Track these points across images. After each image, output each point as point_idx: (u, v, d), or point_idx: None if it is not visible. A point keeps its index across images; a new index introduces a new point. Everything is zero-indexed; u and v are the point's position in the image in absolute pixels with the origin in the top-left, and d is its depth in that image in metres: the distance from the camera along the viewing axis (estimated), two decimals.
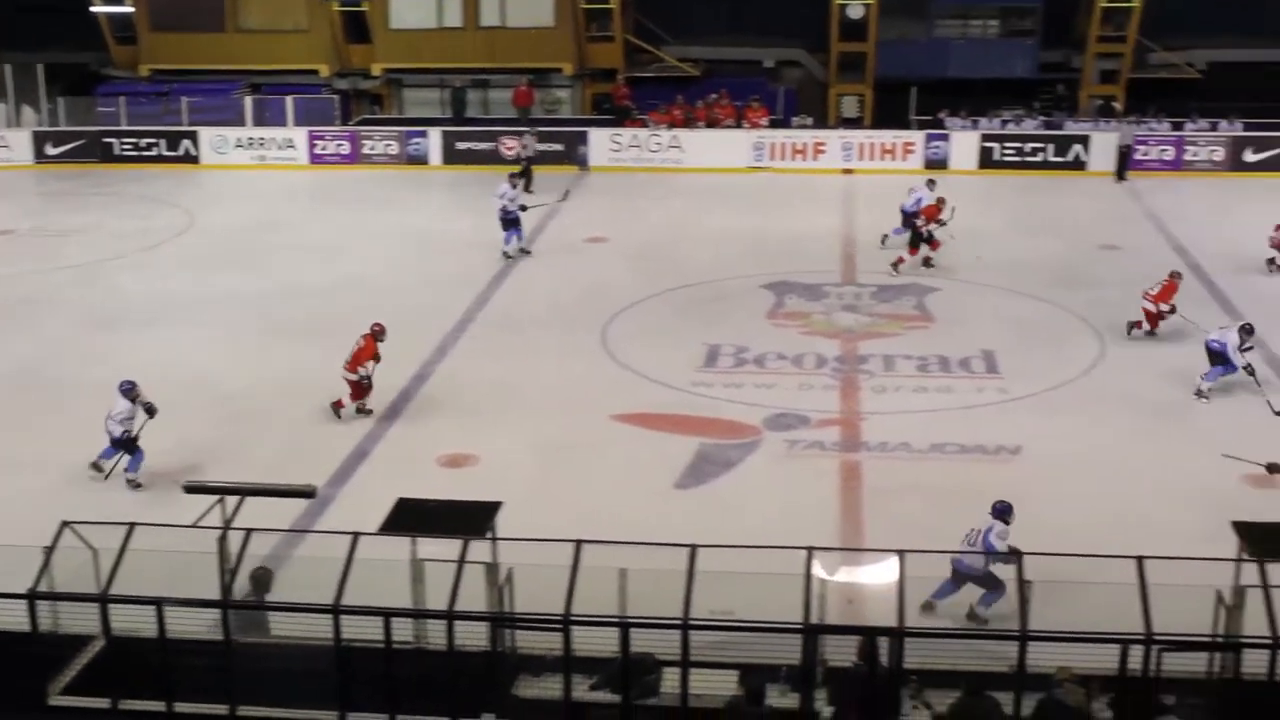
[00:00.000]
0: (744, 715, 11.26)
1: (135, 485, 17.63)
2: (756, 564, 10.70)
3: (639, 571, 11.57)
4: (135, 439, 17.73)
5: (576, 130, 37.88)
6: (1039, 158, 36.93)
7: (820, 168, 37.07)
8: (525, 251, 28.74)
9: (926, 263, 27.66)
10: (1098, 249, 29.49)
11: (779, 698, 11.59)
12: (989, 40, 41.18)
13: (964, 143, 37.19)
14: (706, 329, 23.99)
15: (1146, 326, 23.44)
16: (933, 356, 22.68)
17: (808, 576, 10.93)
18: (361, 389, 20.01)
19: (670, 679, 11.29)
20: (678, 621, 10.70)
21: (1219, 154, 36.64)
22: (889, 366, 22.30)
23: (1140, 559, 11.29)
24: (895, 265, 27.50)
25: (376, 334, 20.24)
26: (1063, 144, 37.06)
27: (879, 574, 12.18)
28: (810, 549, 11.11)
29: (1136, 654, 10.82)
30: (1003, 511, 14.55)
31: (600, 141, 37.69)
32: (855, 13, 39.57)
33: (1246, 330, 20.98)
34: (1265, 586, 11.25)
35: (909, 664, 11.12)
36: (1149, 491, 17.60)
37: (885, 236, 29.13)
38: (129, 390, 17.88)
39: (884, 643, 11.04)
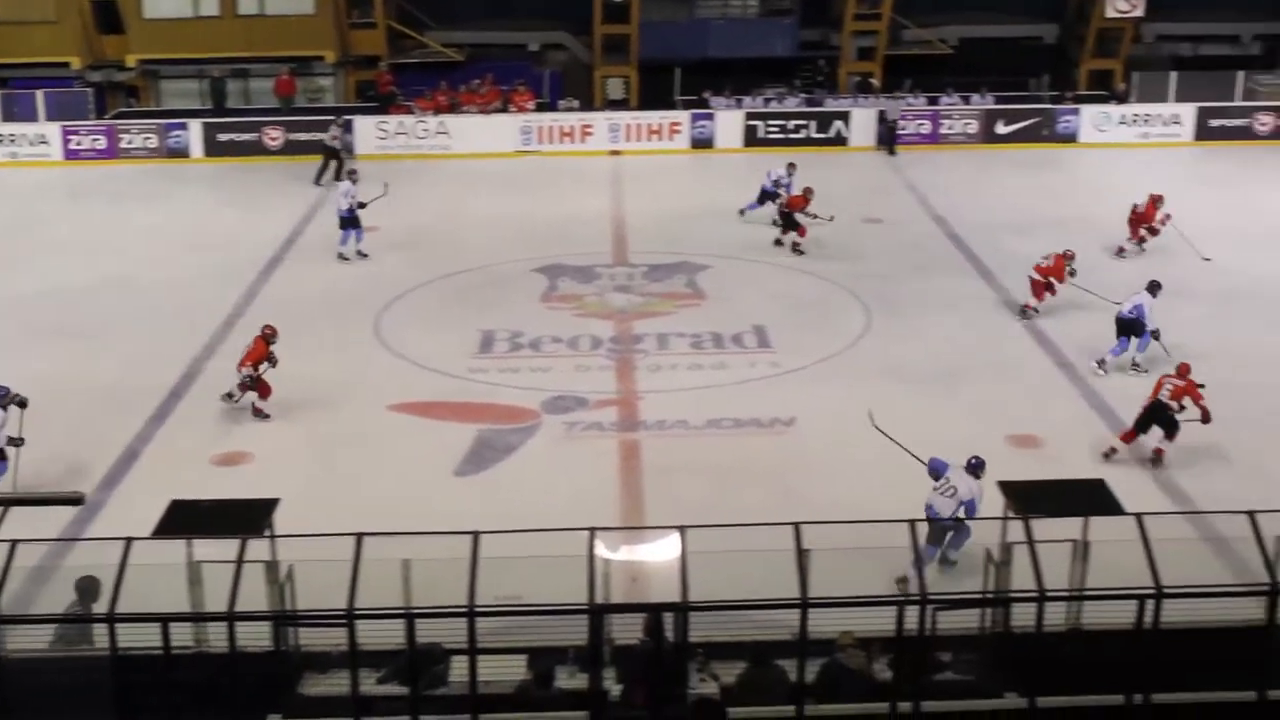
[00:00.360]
0: (533, 699, 11.28)
1: None
2: (540, 547, 10.71)
3: (422, 561, 11.49)
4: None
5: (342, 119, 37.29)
6: (802, 134, 37.62)
7: (588, 150, 37.20)
8: (362, 254, 27.63)
9: (786, 244, 27.83)
10: (862, 222, 30.16)
11: (568, 679, 11.63)
12: (749, 20, 41.72)
13: (728, 122, 37.70)
14: (480, 315, 23.92)
15: (1034, 301, 23.69)
16: (706, 333, 22.97)
17: (591, 557, 10.97)
18: (259, 386, 19.52)
19: (458, 667, 11.24)
20: (463, 609, 10.65)
21: (973, 127, 37.81)
22: (663, 345, 22.52)
23: (912, 523, 11.62)
24: (794, 249, 27.67)
25: (267, 336, 19.81)
26: (824, 120, 37.82)
27: (661, 551, 12.30)
28: (592, 530, 11.16)
29: (913, 614, 11.11)
30: (975, 467, 15.32)
31: (366, 129, 37.22)
32: None
33: (1156, 286, 21.57)
34: (1030, 542, 11.67)
35: (694, 638, 11.26)
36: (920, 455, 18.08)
37: (743, 210, 29.99)
38: (3, 396, 17.08)
39: (669, 618, 11.15)
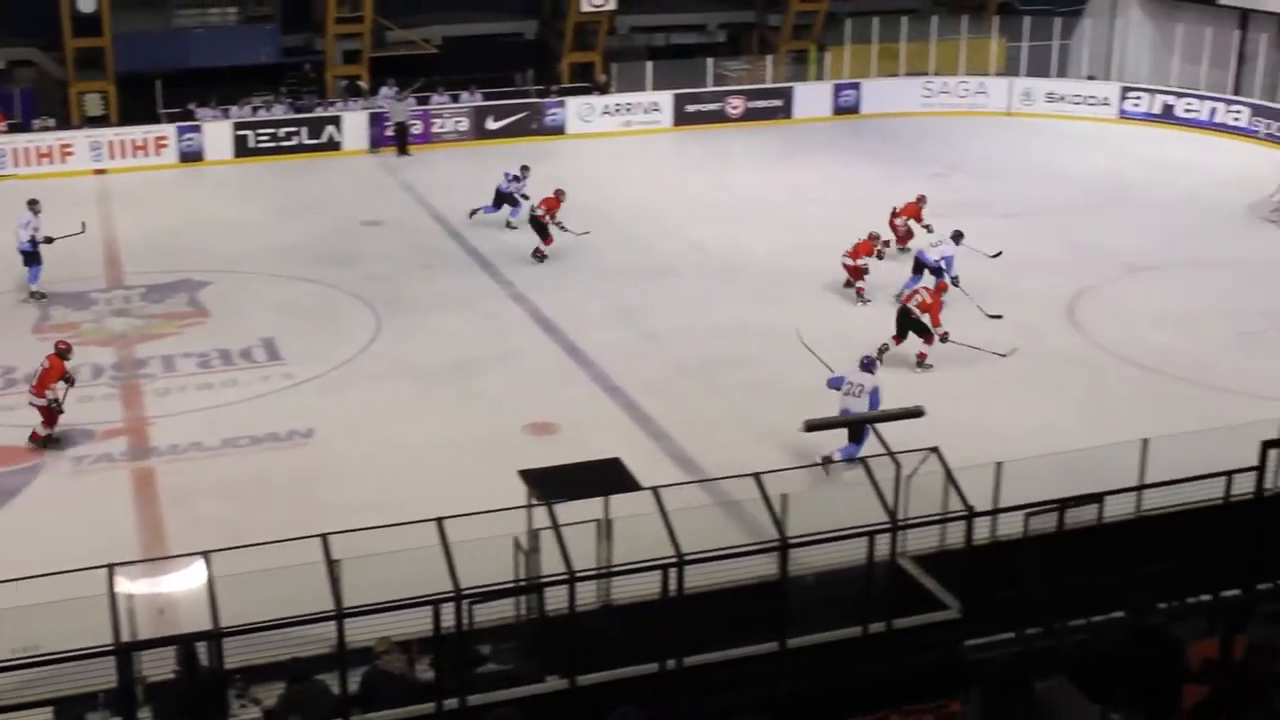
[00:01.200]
0: None
1: None
2: (56, 591, 10.23)
3: None
4: None
5: None
6: (294, 142, 37.10)
7: (70, 170, 35.42)
8: (38, 295, 25.18)
9: (537, 255, 26.97)
10: (361, 226, 30.02)
11: None
12: (229, 28, 40.77)
13: (217, 133, 36.73)
14: None
15: (856, 282, 24.67)
16: (213, 351, 22.39)
17: (112, 594, 10.55)
18: (52, 414, 18.54)
19: None
20: None
21: (464, 124, 38.28)
22: (170, 367, 21.81)
23: (440, 520, 11.70)
24: (536, 254, 26.86)
25: (62, 352, 18.96)
26: (315, 126, 37.43)
27: (187, 579, 11.93)
28: (111, 566, 10.73)
29: (450, 611, 11.21)
30: (869, 364, 18.13)
31: None
32: (86, 6, 37.92)
33: (960, 235, 24.17)
34: (555, 527, 11.97)
35: (231, 663, 11.00)
36: (441, 453, 18.28)
37: (474, 211, 29.27)
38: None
39: (202, 647, 10.86)
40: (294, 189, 33.50)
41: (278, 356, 22.11)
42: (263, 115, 37.69)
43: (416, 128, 37.67)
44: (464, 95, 39.18)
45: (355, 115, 37.67)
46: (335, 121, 37.51)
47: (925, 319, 21.27)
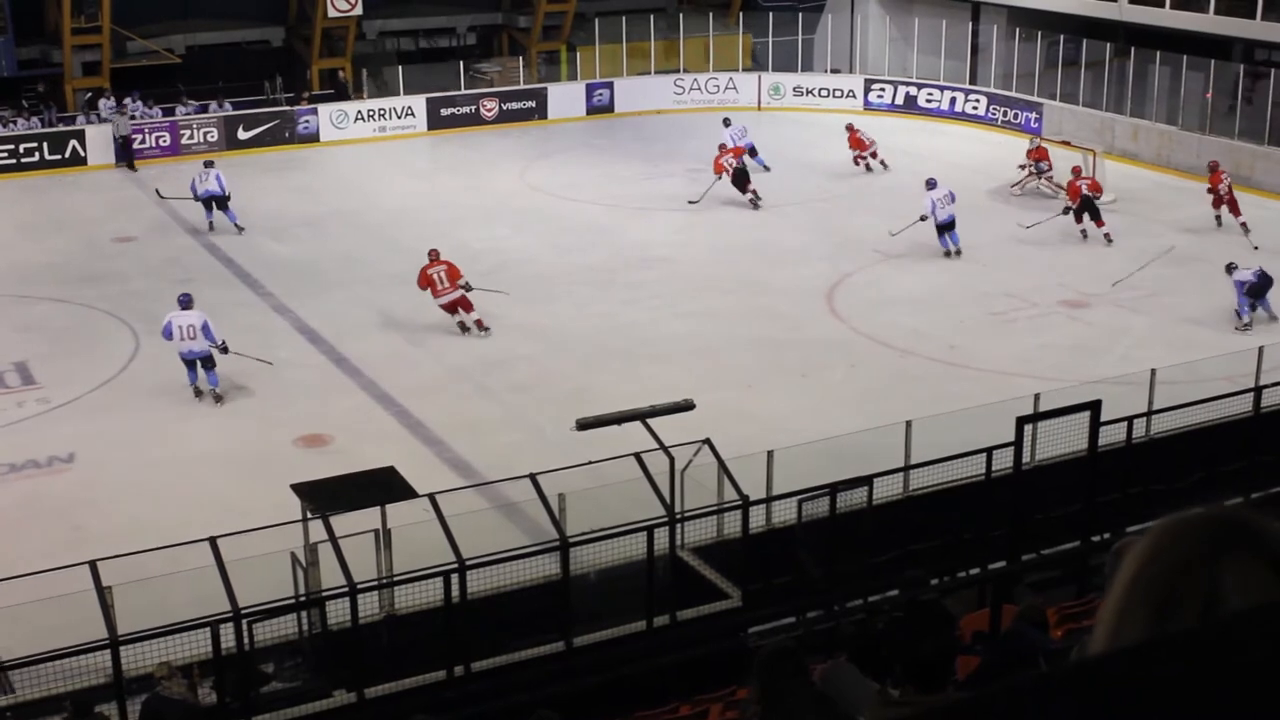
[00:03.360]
0: None
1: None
2: None
3: None
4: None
5: None
6: (36, 158, 35.76)
7: None
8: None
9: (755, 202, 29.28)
10: (113, 242, 29.17)
11: None
12: None
13: None
14: None
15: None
16: None
17: None
18: (464, 301, 22.40)
19: None
20: None
21: (214, 135, 37.39)
22: None
23: (213, 539, 11.51)
24: (754, 203, 30.27)
25: (436, 255, 22.53)
26: (57, 141, 36.19)
27: None
28: None
29: (230, 631, 11.04)
30: (932, 184, 26.01)
31: None
32: None
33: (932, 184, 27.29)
34: (333, 540, 11.88)
35: (0, 701, 10.67)
36: (212, 471, 17.92)
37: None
38: (189, 300, 20.23)
39: None
40: (39, 206, 32.39)
41: (32, 380, 21.36)
42: (2, 132, 36.30)
43: (163, 139, 36.64)
44: (212, 105, 38.30)
45: (99, 129, 36.51)
46: (79, 136, 36.30)
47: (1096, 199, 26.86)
